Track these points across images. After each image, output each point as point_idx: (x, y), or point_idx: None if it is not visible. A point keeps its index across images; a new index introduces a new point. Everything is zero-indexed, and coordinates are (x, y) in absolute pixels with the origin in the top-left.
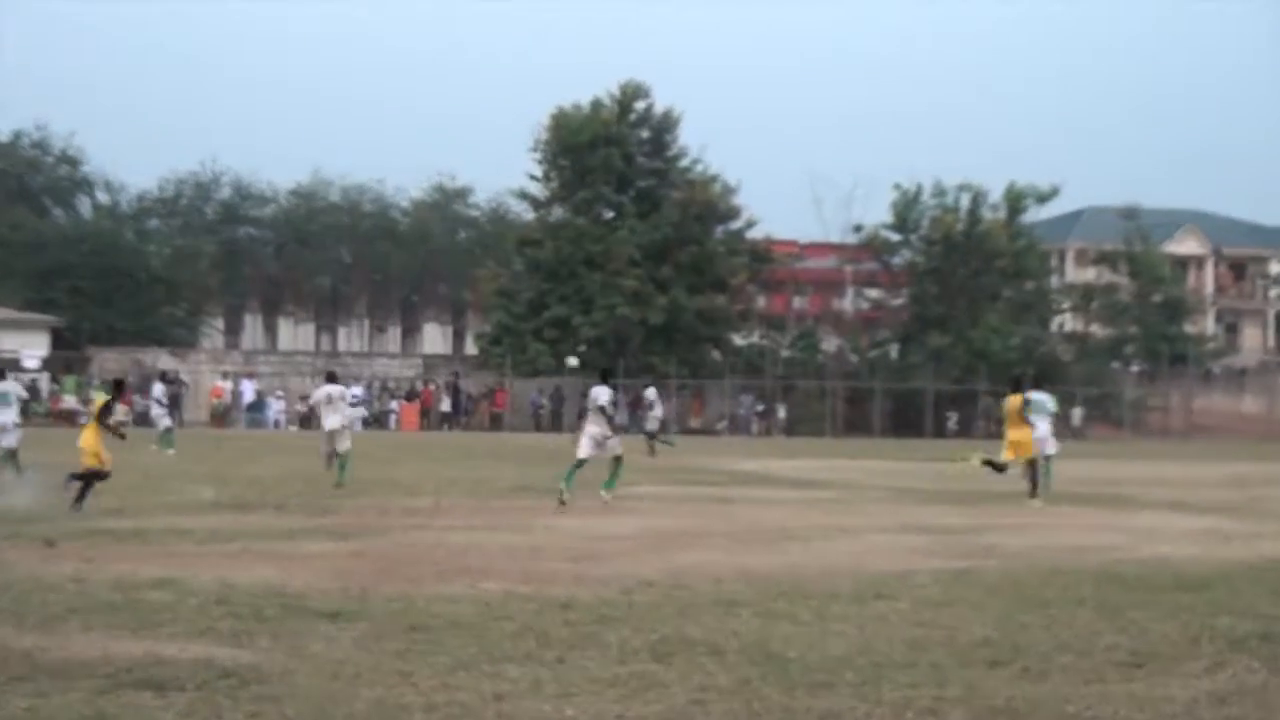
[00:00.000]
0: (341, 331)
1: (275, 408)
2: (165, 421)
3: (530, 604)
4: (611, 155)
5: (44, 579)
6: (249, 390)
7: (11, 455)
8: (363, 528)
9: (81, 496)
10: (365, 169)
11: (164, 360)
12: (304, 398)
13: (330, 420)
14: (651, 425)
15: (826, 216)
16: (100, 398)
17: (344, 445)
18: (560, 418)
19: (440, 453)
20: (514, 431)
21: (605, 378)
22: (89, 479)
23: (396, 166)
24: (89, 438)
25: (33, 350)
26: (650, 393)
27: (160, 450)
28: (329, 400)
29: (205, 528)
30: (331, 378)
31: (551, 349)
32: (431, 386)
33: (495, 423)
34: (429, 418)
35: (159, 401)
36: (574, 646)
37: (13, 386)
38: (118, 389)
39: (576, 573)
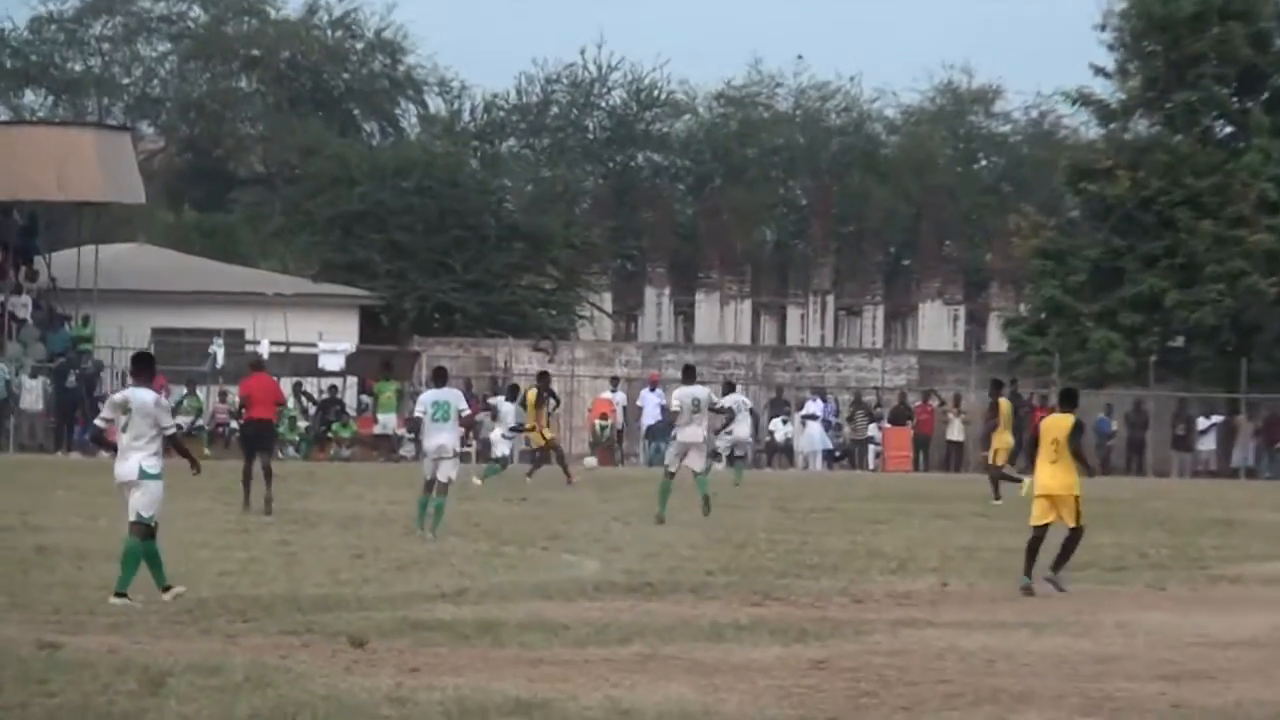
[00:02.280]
0: (794, 315)
1: None
2: (503, 449)
3: None
4: (1230, 35)
5: (351, 698)
6: (652, 405)
7: (441, 492)
8: (827, 624)
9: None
10: (828, 60)
11: (523, 357)
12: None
13: (689, 432)
14: (723, 443)
15: None
16: (1004, 403)
17: (699, 464)
18: (1140, 450)
19: (944, 506)
20: None
21: None
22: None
23: (878, 55)
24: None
25: (335, 341)
26: (735, 399)
27: (484, 479)
28: (695, 407)
29: (587, 620)
30: (690, 374)
31: (1130, 341)
32: (933, 402)
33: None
34: (926, 451)
35: (504, 424)
36: None
37: (453, 395)
38: (999, 388)
39: (1174, 699)
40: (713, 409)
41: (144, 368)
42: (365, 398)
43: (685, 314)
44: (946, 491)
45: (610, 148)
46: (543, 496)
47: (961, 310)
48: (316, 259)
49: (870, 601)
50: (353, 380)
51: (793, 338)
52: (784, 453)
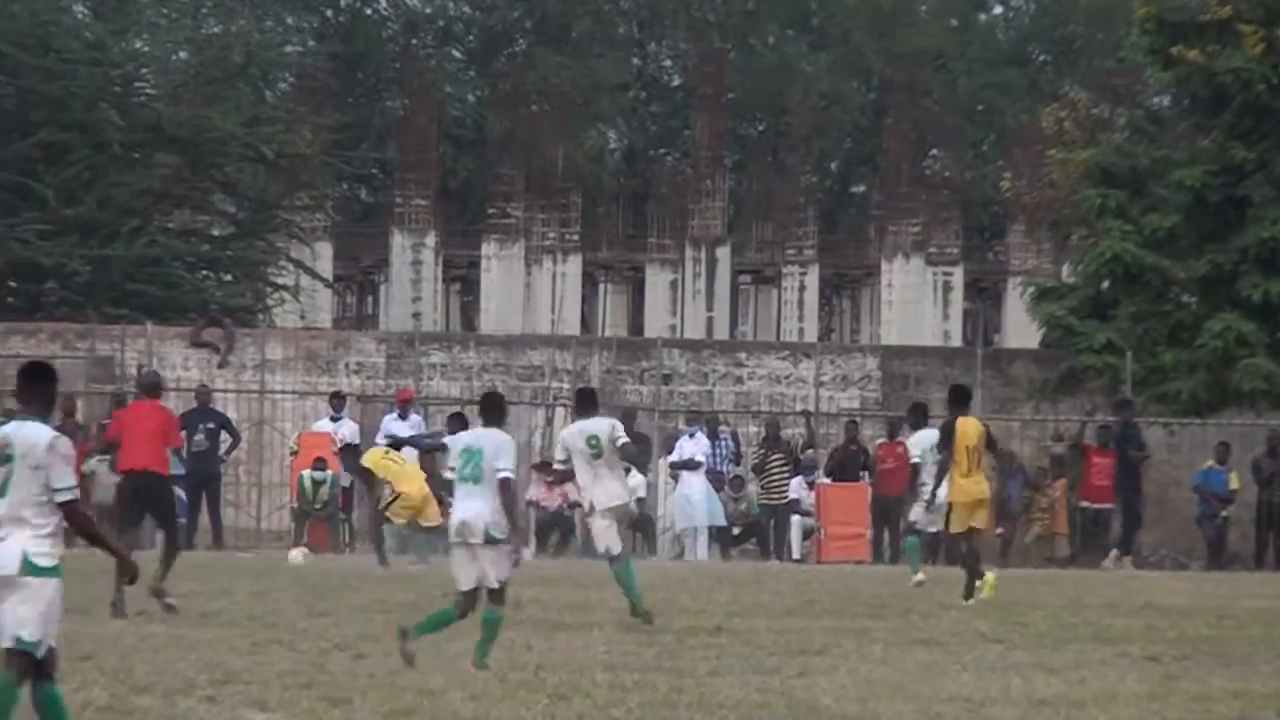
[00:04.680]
0: (659, 281)
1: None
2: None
3: None
4: None
5: None
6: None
7: (495, 600)
8: None
9: None
10: None
11: (173, 357)
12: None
13: (604, 490)
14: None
15: None
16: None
17: (615, 543)
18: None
19: (926, 623)
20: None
21: None
22: None
23: None
24: None
25: None
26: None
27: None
28: (594, 448)
29: None
30: (588, 402)
31: (1265, 329)
32: (908, 438)
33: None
34: (893, 526)
35: None
36: None
37: (494, 441)
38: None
39: None
40: (618, 448)
41: (42, 384)
42: None
43: (464, 281)
44: (931, 597)
45: None
46: (211, 606)
47: (958, 274)
48: None
49: None
50: None
51: (656, 323)
52: (637, 527)
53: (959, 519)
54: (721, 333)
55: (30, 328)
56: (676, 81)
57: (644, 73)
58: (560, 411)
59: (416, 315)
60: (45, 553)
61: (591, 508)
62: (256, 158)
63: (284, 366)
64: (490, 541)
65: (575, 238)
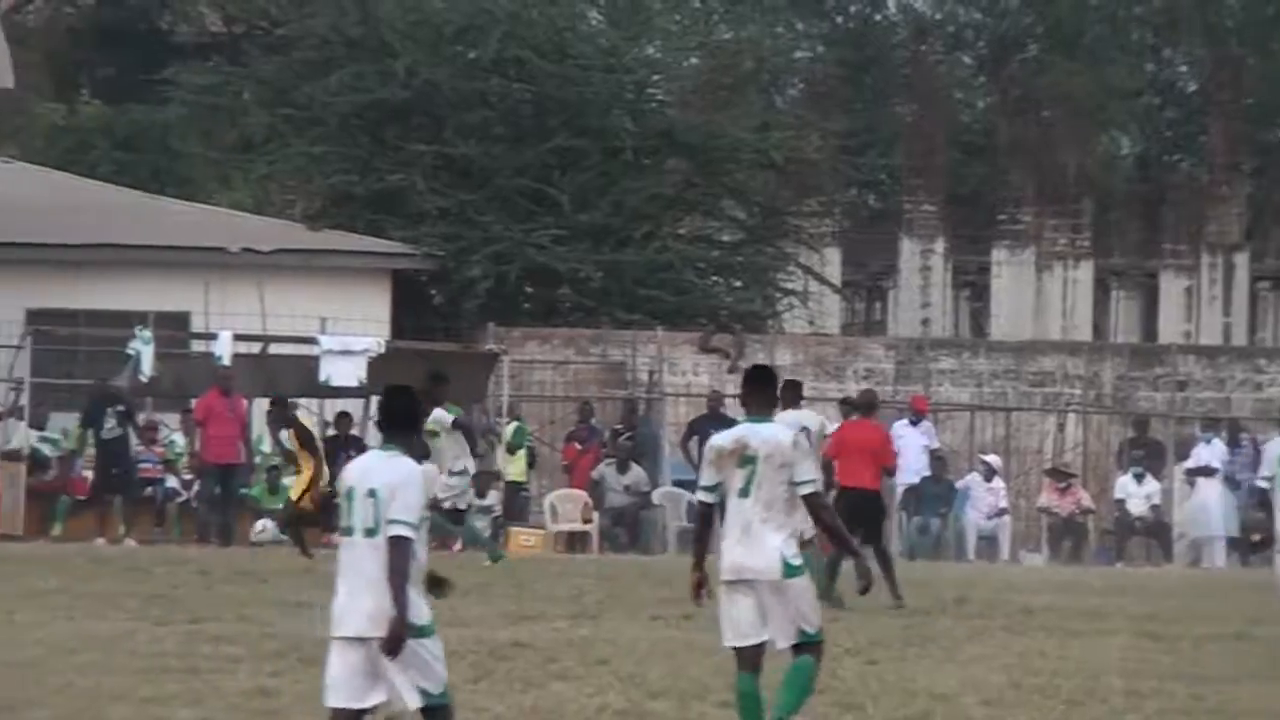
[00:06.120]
0: (1173, 288)
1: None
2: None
3: None
4: None
5: None
6: (914, 449)
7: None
8: None
9: None
10: None
11: (683, 364)
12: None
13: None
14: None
15: None
16: None
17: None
18: None
19: None
20: None
21: None
22: None
23: None
24: None
25: (349, 333)
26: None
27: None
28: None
29: None
30: (794, 392)
31: None
32: None
33: None
34: None
35: None
36: None
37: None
38: None
39: None
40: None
41: (765, 385)
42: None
43: (973, 287)
44: None
45: None
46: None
47: None
48: (318, 187)
49: None
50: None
51: (1170, 329)
52: (1152, 534)
53: None
54: (1239, 339)
55: (545, 333)
56: (1192, 87)
57: (1158, 78)
58: (1072, 418)
59: (925, 321)
60: (795, 552)
61: None
62: (766, 163)
63: (792, 372)
64: None
65: (1086, 244)
